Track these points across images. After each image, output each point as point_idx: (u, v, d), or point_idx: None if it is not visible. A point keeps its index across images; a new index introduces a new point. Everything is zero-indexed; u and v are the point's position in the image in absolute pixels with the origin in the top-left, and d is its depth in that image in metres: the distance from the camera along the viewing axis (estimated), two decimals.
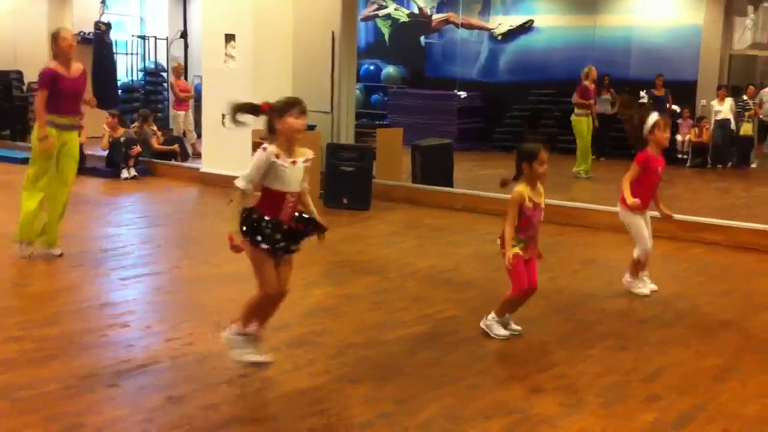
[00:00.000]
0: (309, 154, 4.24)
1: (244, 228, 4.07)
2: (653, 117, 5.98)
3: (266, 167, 4.05)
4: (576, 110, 13.15)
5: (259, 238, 4.06)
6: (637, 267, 6.10)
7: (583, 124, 13.00)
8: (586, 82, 13.19)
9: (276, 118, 4.10)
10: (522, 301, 5.08)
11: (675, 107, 15.25)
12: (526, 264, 4.98)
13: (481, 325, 5.11)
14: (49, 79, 6.66)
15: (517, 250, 4.91)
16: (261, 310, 4.27)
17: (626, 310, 5.82)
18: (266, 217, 4.07)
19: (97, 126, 15.06)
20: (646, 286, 6.12)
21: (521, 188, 4.89)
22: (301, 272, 4.19)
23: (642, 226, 6.02)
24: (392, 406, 3.98)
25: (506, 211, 4.93)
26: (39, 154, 6.72)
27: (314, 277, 6.26)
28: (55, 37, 6.82)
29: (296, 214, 4.20)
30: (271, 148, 4.07)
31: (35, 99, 6.74)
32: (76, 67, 6.89)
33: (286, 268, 4.23)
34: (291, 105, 4.12)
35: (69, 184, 6.90)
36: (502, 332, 5.05)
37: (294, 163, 4.12)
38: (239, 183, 4.05)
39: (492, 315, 5.09)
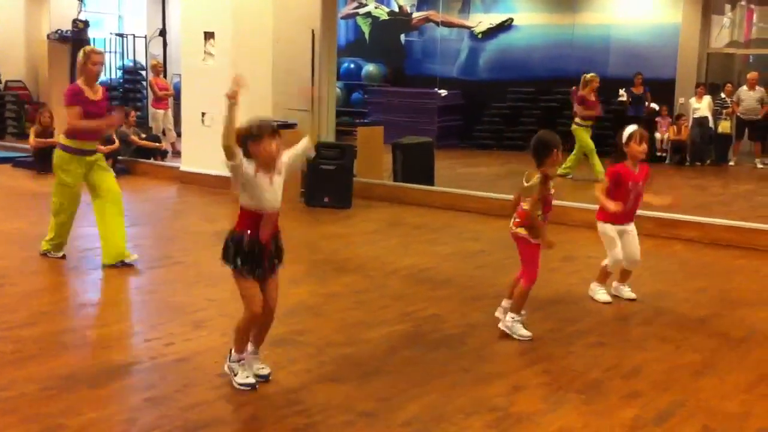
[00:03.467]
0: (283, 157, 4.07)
1: (226, 253, 4.03)
2: (630, 128, 5.78)
3: (245, 176, 3.94)
4: (578, 120, 12.44)
5: (239, 260, 3.99)
6: (604, 275, 6.00)
7: (585, 133, 12.38)
8: (585, 92, 12.39)
9: (251, 145, 3.94)
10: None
11: (654, 105, 15.35)
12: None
13: (501, 327, 5.11)
14: (76, 95, 6.38)
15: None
16: (250, 331, 4.18)
17: (606, 308, 5.85)
18: (246, 238, 3.99)
19: None
20: (605, 294, 5.94)
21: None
22: (281, 271, 4.18)
23: (613, 238, 5.82)
24: (374, 404, 3.98)
25: (529, 197, 4.98)
26: (59, 185, 6.56)
27: (295, 276, 6.24)
28: (87, 56, 6.46)
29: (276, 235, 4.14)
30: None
31: (68, 121, 6.43)
32: (99, 89, 6.61)
33: (272, 285, 4.14)
34: (255, 132, 3.93)
35: (117, 198, 6.65)
36: (525, 332, 5.03)
37: (271, 181, 4.00)
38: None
39: (511, 315, 5.09)
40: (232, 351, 4.20)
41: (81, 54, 6.53)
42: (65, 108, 6.50)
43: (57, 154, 6.59)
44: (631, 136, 5.71)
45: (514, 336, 5.02)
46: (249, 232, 4.00)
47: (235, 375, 4.14)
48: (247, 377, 4.12)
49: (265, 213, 4.02)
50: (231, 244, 4.02)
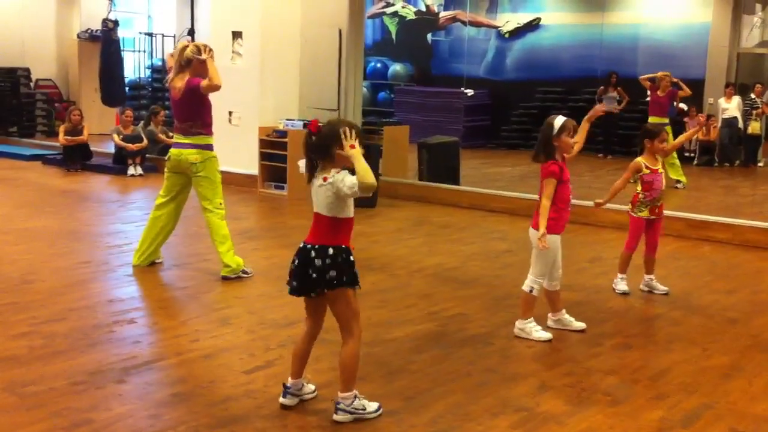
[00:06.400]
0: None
1: (353, 275, 3.69)
2: (560, 119, 4.97)
3: None
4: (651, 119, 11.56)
5: (354, 277, 3.72)
6: (530, 305, 5.10)
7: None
8: (658, 93, 11.73)
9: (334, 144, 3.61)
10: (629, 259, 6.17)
11: (682, 105, 15.22)
12: (653, 225, 6.08)
13: (642, 287, 6.22)
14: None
15: (644, 213, 6.04)
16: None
17: (633, 308, 5.81)
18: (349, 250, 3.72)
19: (104, 123, 15.13)
20: (543, 331, 5.09)
21: (639, 159, 6.05)
22: None
23: (555, 257, 5.10)
24: (399, 403, 3.98)
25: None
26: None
27: None
28: (202, 52, 6.24)
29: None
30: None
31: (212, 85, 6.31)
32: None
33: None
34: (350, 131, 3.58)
35: (210, 205, 6.30)
36: (623, 287, 6.14)
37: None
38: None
39: (618, 275, 6.16)
40: (341, 394, 3.78)
41: (193, 50, 6.24)
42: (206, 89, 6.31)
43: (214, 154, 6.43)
44: (563, 128, 4.95)
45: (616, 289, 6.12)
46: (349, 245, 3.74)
47: (365, 410, 3.78)
48: (372, 402, 3.84)
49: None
50: (351, 262, 3.70)
